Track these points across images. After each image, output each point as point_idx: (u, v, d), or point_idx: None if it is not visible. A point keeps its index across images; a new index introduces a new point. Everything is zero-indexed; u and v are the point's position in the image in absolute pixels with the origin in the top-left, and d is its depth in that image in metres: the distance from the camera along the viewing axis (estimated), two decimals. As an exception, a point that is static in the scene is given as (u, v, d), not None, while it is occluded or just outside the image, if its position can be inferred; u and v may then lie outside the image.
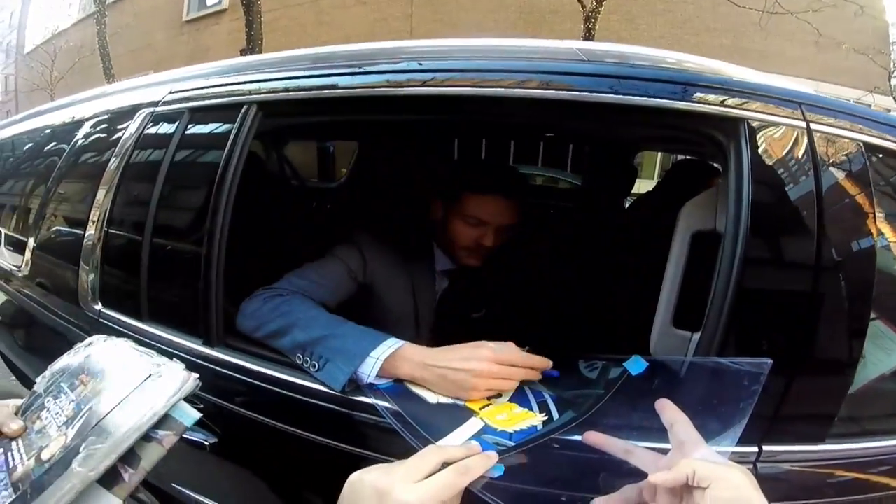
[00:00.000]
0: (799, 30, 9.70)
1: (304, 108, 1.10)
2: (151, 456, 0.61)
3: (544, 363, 0.87)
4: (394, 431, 0.78)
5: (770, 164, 0.81)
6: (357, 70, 1.00)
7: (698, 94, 0.83)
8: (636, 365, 0.85)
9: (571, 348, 1.01)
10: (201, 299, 1.06)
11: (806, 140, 0.82)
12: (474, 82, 0.92)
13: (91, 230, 1.38)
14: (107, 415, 0.62)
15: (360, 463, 0.76)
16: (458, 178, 1.26)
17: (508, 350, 0.87)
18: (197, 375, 0.67)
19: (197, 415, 0.65)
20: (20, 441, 0.66)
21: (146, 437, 0.61)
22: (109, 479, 0.59)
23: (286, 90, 1.06)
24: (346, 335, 0.93)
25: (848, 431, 0.86)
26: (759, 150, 0.81)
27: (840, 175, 0.83)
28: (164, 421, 0.62)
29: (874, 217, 0.83)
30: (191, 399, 0.66)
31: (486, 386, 0.83)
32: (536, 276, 1.40)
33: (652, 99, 0.83)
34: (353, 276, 1.24)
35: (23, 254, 1.82)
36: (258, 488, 1.15)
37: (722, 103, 0.82)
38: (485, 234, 1.21)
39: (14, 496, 0.59)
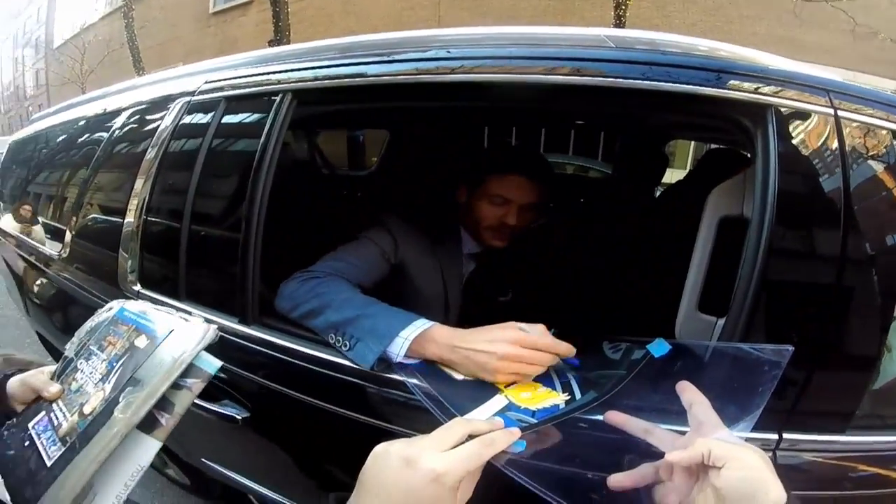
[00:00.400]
0: (834, 18, 9.48)
1: (337, 96, 1.15)
2: (183, 401, 0.69)
3: (569, 350, 0.88)
4: (421, 407, 0.82)
5: (797, 151, 0.82)
6: (386, 58, 1.04)
7: (727, 81, 0.84)
8: (659, 347, 0.88)
9: (598, 332, 1.04)
10: (238, 281, 1.12)
11: (834, 128, 0.81)
12: (504, 69, 0.93)
13: (130, 217, 1.46)
14: (139, 368, 0.69)
15: (387, 437, 0.80)
16: (482, 161, 1.32)
17: (537, 333, 0.88)
18: (216, 326, 0.75)
19: (218, 363, 0.73)
20: (60, 402, 0.74)
21: (176, 386, 0.69)
22: (148, 424, 0.66)
23: (318, 78, 1.11)
24: (376, 315, 0.97)
25: (870, 424, 0.85)
26: (786, 138, 0.82)
27: (869, 163, 0.82)
28: (190, 370, 0.70)
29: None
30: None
31: (509, 370, 0.85)
32: (564, 261, 1.43)
33: (680, 85, 0.84)
34: (386, 257, 1.29)
35: (61, 240, 1.92)
36: (288, 462, 1.21)
37: (749, 90, 0.83)
38: (508, 213, 1.26)
39: (64, 448, 0.66)
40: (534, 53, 0.94)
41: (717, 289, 0.94)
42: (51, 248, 2.06)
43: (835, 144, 0.81)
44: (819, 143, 0.82)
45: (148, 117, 1.58)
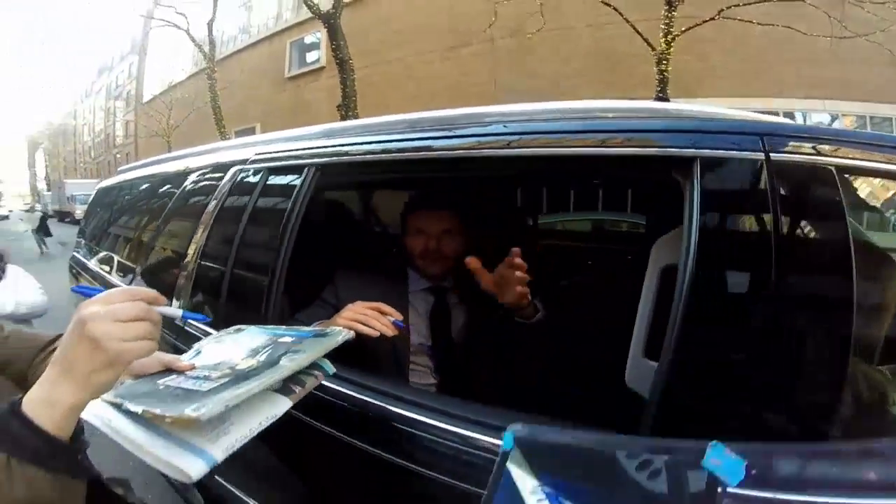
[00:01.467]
0: (876, 53, 9.31)
1: (384, 167, 1.41)
2: (309, 384, 0.93)
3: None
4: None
5: (720, 197, 0.89)
6: (448, 133, 1.23)
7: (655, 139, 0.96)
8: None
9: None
10: (263, 314, 1.42)
11: (765, 171, 0.86)
12: (559, 142, 1.06)
13: (188, 259, 1.83)
14: (291, 348, 0.96)
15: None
16: (404, 205, 1.59)
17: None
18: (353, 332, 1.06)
19: (333, 369, 0.99)
20: (196, 371, 0.88)
21: (307, 370, 0.94)
22: (285, 390, 0.88)
23: (340, 154, 1.43)
24: None
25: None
26: (710, 185, 0.88)
27: (801, 202, 0.87)
28: (315, 366, 0.96)
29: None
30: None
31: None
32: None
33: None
34: (334, 308, 1.43)
35: (130, 274, 2.32)
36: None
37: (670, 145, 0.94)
38: (428, 240, 1.50)
39: (218, 384, 0.78)
40: (585, 127, 1.07)
41: (659, 335, 0.96)
42: (120, 282, 2.48)
43: (764, 187, 0.85)
44: (746, 187, 0.88)
45: (211, 178, 1.96)
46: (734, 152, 0.88)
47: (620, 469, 0.70)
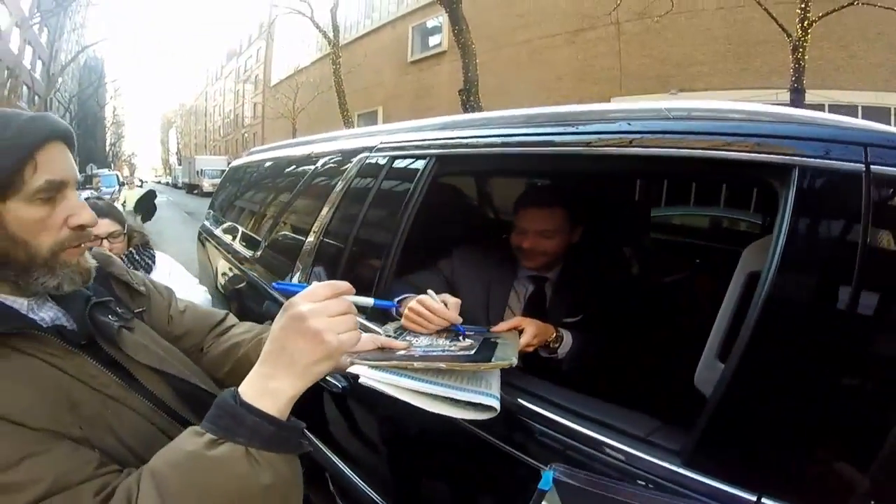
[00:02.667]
0: None
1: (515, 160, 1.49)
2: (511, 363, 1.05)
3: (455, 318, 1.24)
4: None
5: (813, 208, 0.89)
6: (571, 129, 1.28)
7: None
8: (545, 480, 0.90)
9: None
10: (379, 289, 1.60)
11: (863, 184, 0.84)
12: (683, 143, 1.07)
13: (311, 237, 2.07)
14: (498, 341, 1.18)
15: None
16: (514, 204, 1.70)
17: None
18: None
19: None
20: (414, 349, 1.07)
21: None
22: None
23: (458, 146, 1.57)
24: None
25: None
26: (805, 196, 0.88)
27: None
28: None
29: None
30: None
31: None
32: (631, 293, 1.70)
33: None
34: (444, 276, 1.71)
35: (255, 245, 2.68)
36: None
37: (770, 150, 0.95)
38: (524, 239, 1.62)
39: (473, 352, 1.07)
40: (707, 128, 1.06)
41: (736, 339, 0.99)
42: (245, 251, 2.84)
43: (859, 199, 0.83)
44: (840, 198, 0.87)
45: (341, 162, 2.19)
46: (833, 162, 0.88)
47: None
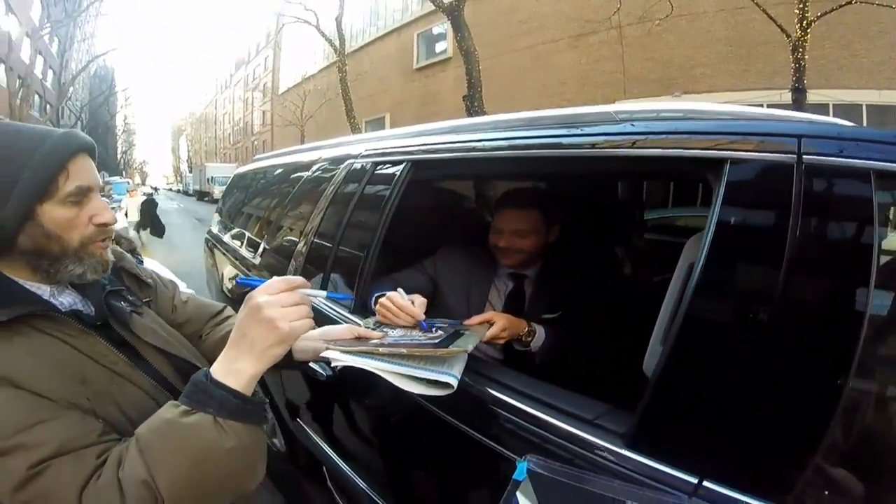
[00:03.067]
0: None
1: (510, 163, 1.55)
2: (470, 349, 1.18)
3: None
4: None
5: (743, 199, 0.94)
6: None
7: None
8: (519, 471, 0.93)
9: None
10: (358, 286, 1.72)
11: (795, 174, 0.88)
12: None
13: (303, 239, 2.20)
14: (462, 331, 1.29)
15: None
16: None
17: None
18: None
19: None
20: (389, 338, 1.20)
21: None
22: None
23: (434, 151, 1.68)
24: None
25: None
26: (736, 187, 0.94)
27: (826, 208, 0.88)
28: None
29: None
30: None
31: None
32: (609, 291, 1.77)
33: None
34: (427, 274, 1.82)
35: (256, 248, 2.82)
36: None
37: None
38: (499, 237, 1.72)
39: (439, 340, 1.18)
40: (646, 129, 1.15)
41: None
42: (247, 255, 2.99)
43: (791, 191, 0.87)
44: (772, 192, 0.91)
45: (329, 169, 2.33)
46: (765, 154, 0.93)
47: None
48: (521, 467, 0.89)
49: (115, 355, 0.87)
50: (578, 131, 1.29)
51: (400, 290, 1.40)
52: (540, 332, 1.55)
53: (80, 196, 0.84)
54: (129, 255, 1.16)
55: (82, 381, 0.80)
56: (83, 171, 0.85)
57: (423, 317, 1.34)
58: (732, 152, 0.97)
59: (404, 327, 1.32)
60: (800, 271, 0.86)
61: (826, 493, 0.81)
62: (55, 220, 0.82)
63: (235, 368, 0.78)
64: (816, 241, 0.87)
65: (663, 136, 1.11)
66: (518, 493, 0.87)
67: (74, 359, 0.81)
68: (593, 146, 1.23)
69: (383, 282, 1.67)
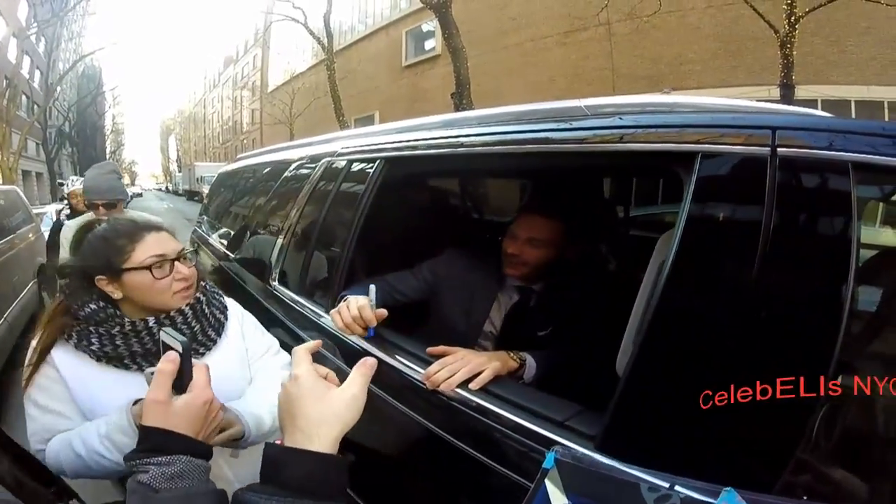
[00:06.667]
0: None
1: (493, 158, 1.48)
2: None
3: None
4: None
5: (714, 194, 0.91)
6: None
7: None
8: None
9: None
10: (334, 287, 1.69)
11: (768, 167, 0.85)
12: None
13: (281, 236, 2.20)
14: None
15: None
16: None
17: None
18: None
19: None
20: None
21: None
22: None
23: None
24: None
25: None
26: (708, 181, 0.91)
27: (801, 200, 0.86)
28: None
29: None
30: None
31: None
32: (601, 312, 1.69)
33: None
34: (425, 279, 1.74)
35: (238, 244, 2.84)
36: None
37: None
38: (512, 244, 1.61)
39: None
40: (614, 123, 1.11)
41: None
42: (226, 250, 3.06)
43: (765, 185, 0.84)
44: (744, 185, 0.89)
45: (306, 167, 2.32)
46: (737, 147, 0.90)
47: (642, 500, 0.80)
48: (550, 457, 0.90)
49: None
50: (543, 127, 1.26)
51: (372, 290, 1.41)
52: (530, 362, 1.42)
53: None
54: None
55: None
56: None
57: (374, 323, 1.41)
58: (703, 146, 0.93)
59: None
60: (774, 269, 0.83)
61: (804, 497, 0.78)
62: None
63: None
64: (791, 237, 0.84)
65: (632, 130, 1.07)
66: (547, 480, 0.89)
67: None
68: (562, 142, 1.20)
69: (375, 282, 1.59)
